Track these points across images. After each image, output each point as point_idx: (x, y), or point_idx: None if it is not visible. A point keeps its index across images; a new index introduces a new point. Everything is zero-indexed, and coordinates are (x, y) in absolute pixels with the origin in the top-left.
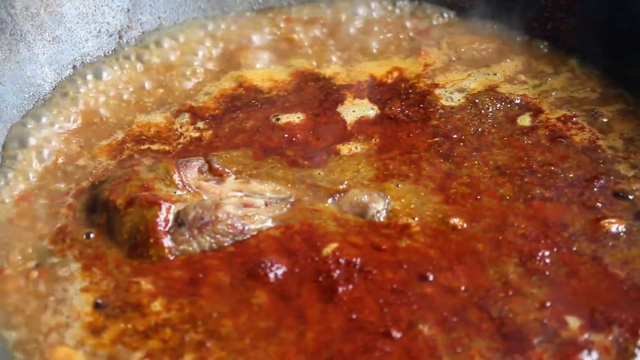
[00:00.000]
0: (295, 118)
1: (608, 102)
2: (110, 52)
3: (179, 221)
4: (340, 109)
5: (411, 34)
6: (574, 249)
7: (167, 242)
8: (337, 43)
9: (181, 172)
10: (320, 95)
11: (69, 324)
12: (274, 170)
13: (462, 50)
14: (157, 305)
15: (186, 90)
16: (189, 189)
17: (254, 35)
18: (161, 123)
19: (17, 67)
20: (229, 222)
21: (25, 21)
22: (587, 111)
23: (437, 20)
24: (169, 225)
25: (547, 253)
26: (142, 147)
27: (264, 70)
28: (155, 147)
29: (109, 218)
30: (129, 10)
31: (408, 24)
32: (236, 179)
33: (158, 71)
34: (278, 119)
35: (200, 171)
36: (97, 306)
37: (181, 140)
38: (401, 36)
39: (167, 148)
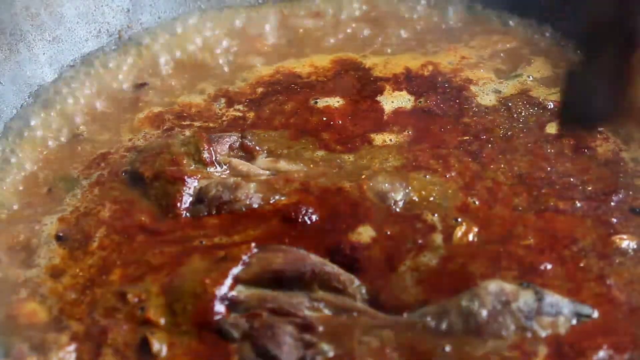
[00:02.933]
0: (335, 102)
1: None
2: (110, 51)
3: (199, 197)
4: (380, 98)
5: (443, 27)
6: (581, 264)
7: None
8: (353, 35)
9: (211, 148)
10: (358, 84)
11: None
12: (304, 151)
13: (493, 48)
14: None
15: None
16: (217, 166)
17: (268, 25)
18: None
19: (17, 67)
20: (247, 202)
21: (25, 21)
22: None
23: (466, 16)
24: (189, 202)
25: (549, 267)
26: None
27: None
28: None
29: (134, 187)
30: (129, 10)
31: (435, 19)
32: (267, 157)
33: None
34: (316, 102)
35: (231, 147)
36: None
37: (224, 118)
38: (430, 31)
39: (211, 125)
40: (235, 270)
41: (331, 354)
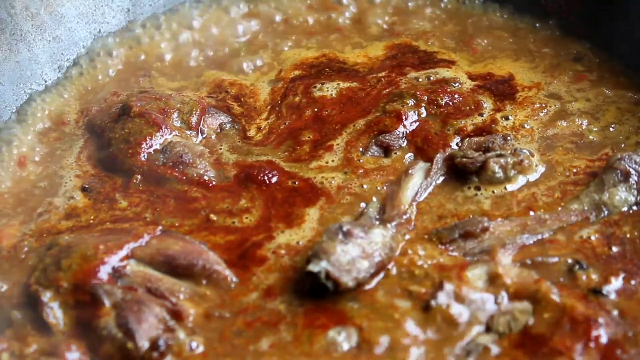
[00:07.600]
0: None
1: None
2: (110, 51)
3: (163, 149)
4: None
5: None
6: None
7: (141, 158)
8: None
9: (202, 117)
10: (415, 60)
11: None
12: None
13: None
14: None
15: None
16: (199, 134)
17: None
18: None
19: (17, 67)
20: (202, 171)
21: (25, 21)
22: None
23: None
24: (153, 148)
25: None
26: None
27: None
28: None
29: (117, 118)
30: (129, 10)
31: None
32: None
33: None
34: (312, 91)
35: (221, 126)
36: None
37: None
38: None
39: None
40: (133, 245)
41: (191, 343)
